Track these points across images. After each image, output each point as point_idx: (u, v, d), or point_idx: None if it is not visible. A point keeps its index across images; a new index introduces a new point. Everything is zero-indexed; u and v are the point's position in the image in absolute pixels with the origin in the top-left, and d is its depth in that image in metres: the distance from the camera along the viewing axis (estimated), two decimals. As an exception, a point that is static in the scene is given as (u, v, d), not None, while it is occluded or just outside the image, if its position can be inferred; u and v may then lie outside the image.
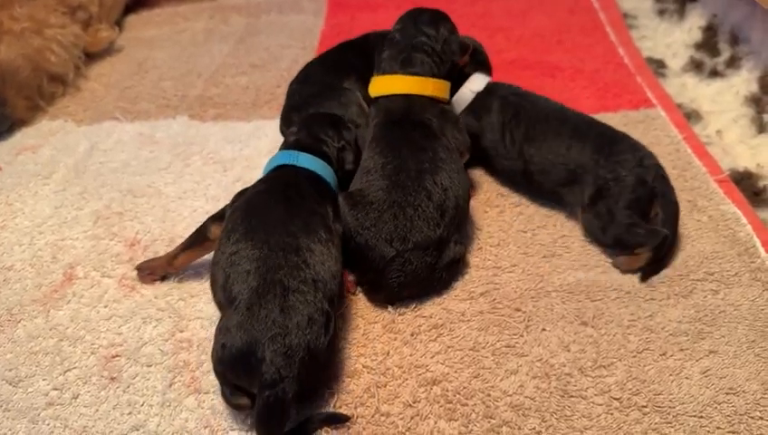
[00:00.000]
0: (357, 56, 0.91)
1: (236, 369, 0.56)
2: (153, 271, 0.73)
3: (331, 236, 0.65)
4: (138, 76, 1.12)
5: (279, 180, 0.70)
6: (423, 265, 0.66)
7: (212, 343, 0.59)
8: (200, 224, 0.72)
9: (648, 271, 0.69)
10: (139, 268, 0.74)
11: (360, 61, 0.90)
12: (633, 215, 0.70)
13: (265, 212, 0.65)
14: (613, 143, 0.74)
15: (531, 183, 0.79)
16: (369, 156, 0.73)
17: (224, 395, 0.58)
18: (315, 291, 0.59)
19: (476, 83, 0.84)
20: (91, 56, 1.16)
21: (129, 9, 1.32)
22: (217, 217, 0.70)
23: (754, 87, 0.98)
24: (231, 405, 0.58)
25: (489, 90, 0.84)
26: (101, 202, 0.85)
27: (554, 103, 0.82)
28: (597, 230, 0.72)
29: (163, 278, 0.73)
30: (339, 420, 0.58)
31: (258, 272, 0.59)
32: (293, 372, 0.54)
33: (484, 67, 0.88)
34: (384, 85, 0.79)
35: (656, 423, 0.56)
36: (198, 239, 0.71)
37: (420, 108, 0.76)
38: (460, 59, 0.82)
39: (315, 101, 0.85)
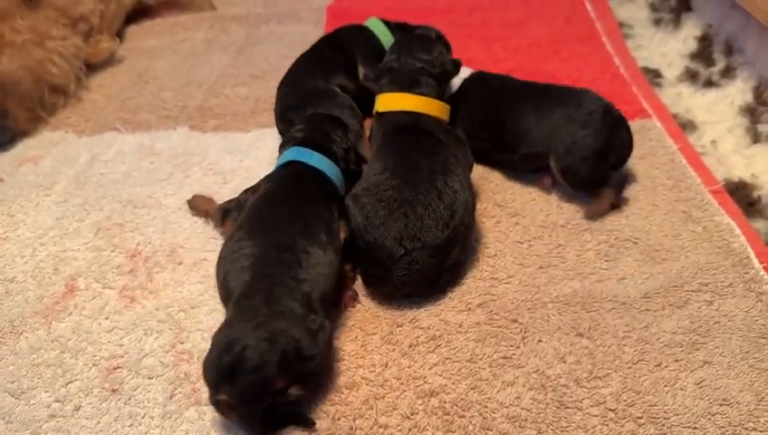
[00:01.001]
0: (334, 51, 0.97)
1: (221, 360, 0.56)
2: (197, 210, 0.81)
3: (330, 240, 0.67)
4: (138, 87, 1.13)
5: (287, 180, 0.73)
6: (428, 266, 0.67)
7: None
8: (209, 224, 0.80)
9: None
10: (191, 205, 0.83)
11: (339, 56, 0.96)
12: (601, 153, 0.78)
13: (270, 213, 0.69)
14: (578, 100, 0.81)
15: (505, 153, 0.85)
16: (378, 158, 0.74)
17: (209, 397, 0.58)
18: (303, 288, 0.61)
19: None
20: (91, 67, 1.16)
21: (130, 19, 1.33)
22: (230, 210, 0.76)
23: (749, 97, 0.98)
24: (213, 402, 0.57)
25: (472, 77, 0.91)
26: (102, 213, 0.86)
27: (518, 82, 0.89)
28: (578, 165, 0.78)
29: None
30: (305, 422, 0.59)
31: (252, 268, 0.62)
32: (276, 358, 0.55)
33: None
34: (392, 102, 0.81)
35: (650, 434, 0.57)
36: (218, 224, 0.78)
37: (427, 123, 0.79)
38: (455, 76, 0.88)
39: (312, 100, 0.89)
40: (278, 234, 0.65)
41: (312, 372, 0.59)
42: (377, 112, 0.82)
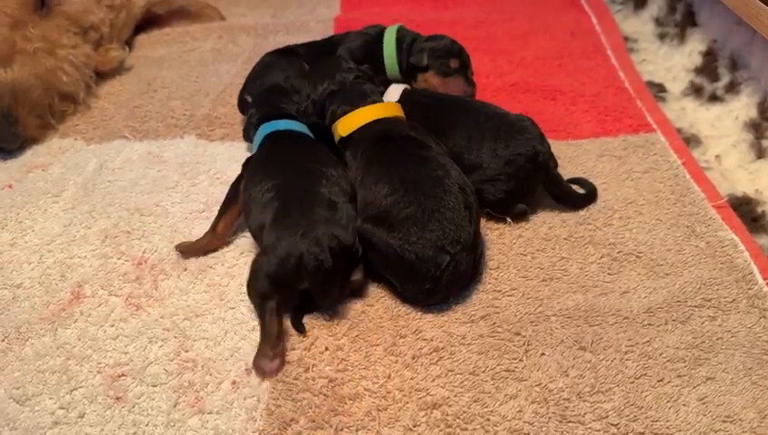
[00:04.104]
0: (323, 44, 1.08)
1: (283, 270, 0.65)
2: (197, 253, 0.80)
3: (340, 163, 0.78)
4: (147, 95, 1.15)
5: (278, 143, 0.81)
6: (468, 265, 0.70)
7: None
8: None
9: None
10: (181, 251, 0.80)
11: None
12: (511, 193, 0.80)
13: (282, 157, 0.78)
14: (509, 137, 0.80)
15: None
16: (376, 179, 0.74)
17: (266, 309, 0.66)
18: (339, 192, 0.72)
19: (394, 92, 0.92)
20: (101, 75, 1.18)
21: (139, 29, 1.34)
22: (240, 179, 0.80)
23: (753, 112, 0.99)
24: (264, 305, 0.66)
25: (406, 96, 0.91)
26: (110, 221, 0.86)
27: (457, 99, 0.90)
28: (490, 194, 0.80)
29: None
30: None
31: (278, 195, 0.70)
32: (326, 254, 0.65)
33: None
34: (352, 121, 0.82)
35: (653, 450, 0.57)
36: (231, 200, 0.80)
37: (396, 127, 0.80)
38: (381, 83, 0.92)
39: (258, 76, 0.98)
40: (295, 165, 0.74)
41: (356, 255, 0.69)
42: (342, 139, 0.82)
